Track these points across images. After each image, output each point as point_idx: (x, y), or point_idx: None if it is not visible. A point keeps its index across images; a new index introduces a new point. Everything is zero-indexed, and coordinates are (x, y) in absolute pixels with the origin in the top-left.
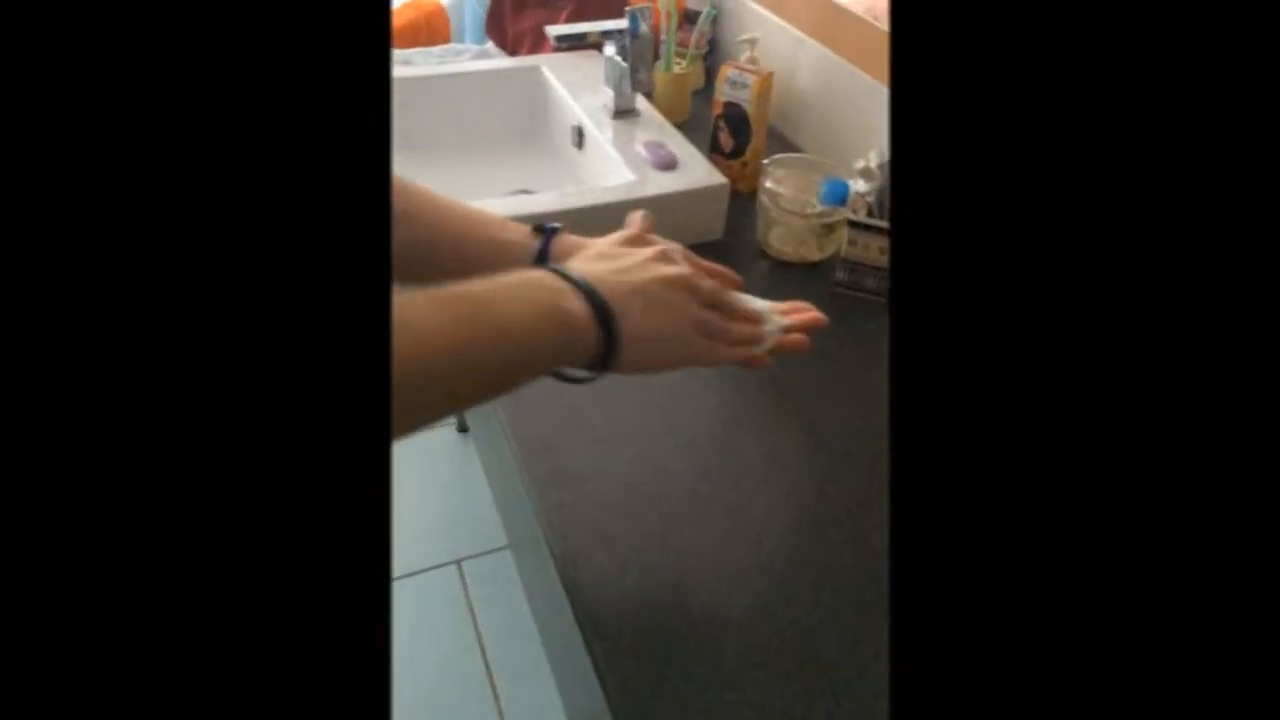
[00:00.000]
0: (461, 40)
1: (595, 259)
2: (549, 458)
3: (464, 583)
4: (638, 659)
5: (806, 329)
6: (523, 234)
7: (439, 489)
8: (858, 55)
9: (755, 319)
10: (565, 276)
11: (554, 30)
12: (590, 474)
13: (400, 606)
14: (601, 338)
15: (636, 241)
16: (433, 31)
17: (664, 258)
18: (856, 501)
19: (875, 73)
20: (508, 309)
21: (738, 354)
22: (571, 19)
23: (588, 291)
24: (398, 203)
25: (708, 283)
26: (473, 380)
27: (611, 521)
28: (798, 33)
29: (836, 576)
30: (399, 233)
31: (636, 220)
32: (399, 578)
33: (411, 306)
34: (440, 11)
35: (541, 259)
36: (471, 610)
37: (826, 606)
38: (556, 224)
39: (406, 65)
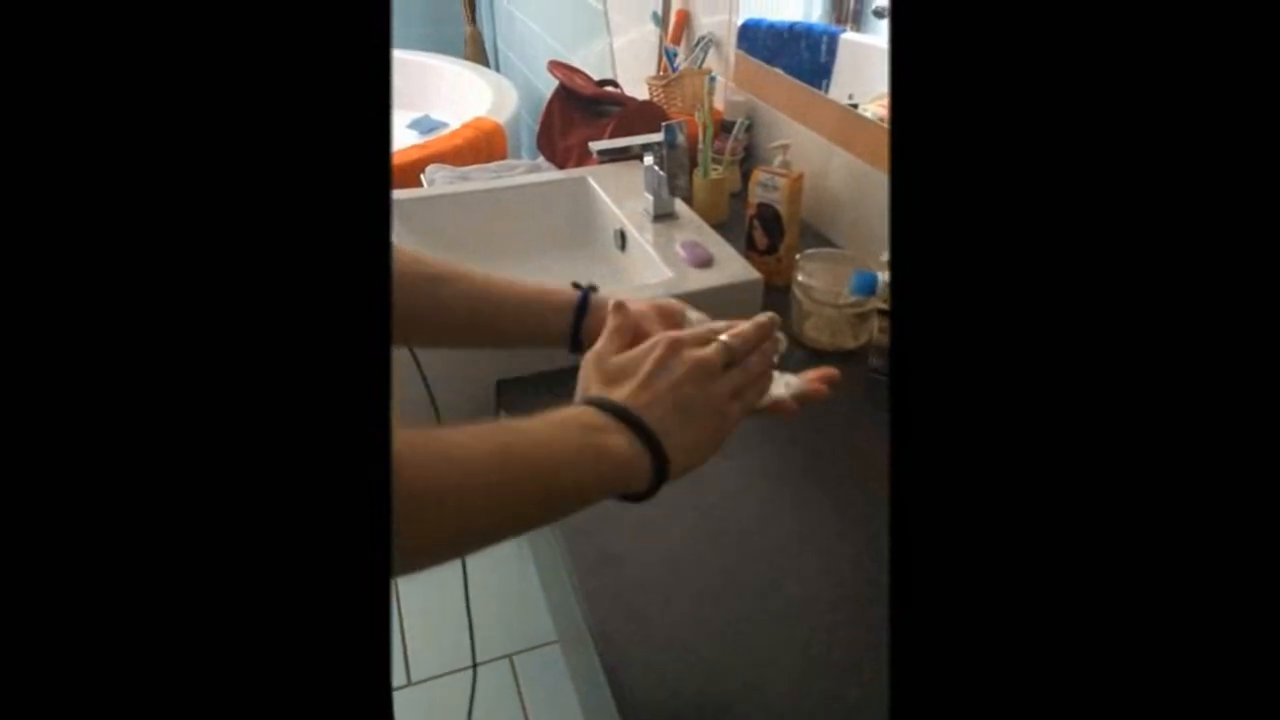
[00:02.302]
0: (517, 155)
1: (613, 379)
2: (590, 541)
3: (515, 677)
4: None
5: (821, 379)
6: (562, 289)
7: (491, 584)
8: (875, 158)
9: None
10: (605, 410)
11: (597, 145)
12: (630, 557)
13: (452, 701)
14: (651, 466)
15: (635, 334)
16: (491, 148)
17: (673, 348)
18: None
19: None
20: (553, 452)
21: (766, 404)
22: (615, 134)
23: (631, 422)
24: (439, 269)
25: (711, 347)
26: (512, 518)
27: (650, 603)
28: (825, 139)
29: (875, 655)
30: (442, 294)
31: (614, 313)
32: (451, 673)
33: (456, 441)
34: (498, 130)
35: (580, 311)
36: (523, 704)
37: (866, 686)
38: (594, 284)
39: (465, 180)
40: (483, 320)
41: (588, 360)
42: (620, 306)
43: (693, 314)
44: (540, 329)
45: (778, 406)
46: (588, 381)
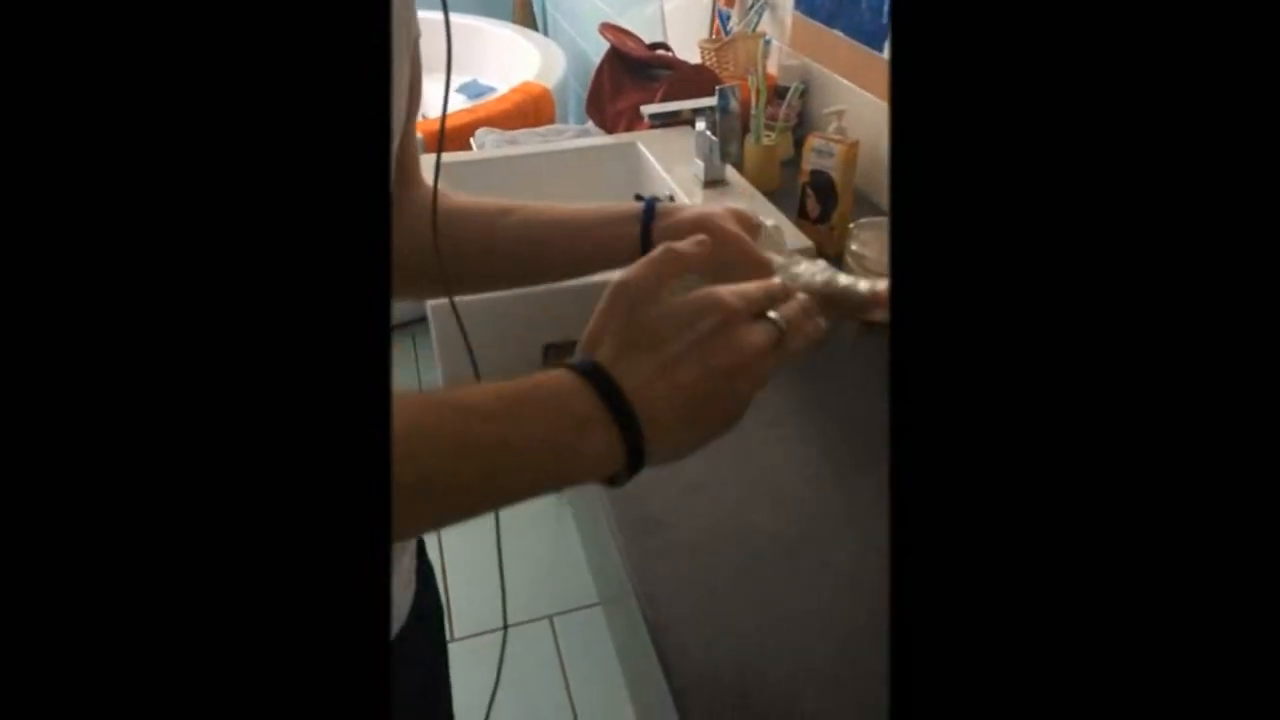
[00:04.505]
0: (565, 120)
1: (635, 343)
2: (636, 505)
3: (555, 638)
4: (719, 703)
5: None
6: (626, 203)
7: (532, 544)
8: None
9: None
10: (601, 394)
11: (648, 109)
12: (676, 521)
13: (491, 659)
14: (626, 465)
15: (705, 309)
16: (539, 113)
17: (725, 325)
18: None
19: None
20: (516, 454)
21: (866, 294)
22: (666, 98)
23: (623, 419)
24: (502, 203)
25: (763, 336)
26: (468, 501)
27: (695, 567)
28: (884, 104)
29: None
30: (508, 223)
31: (685, 246)
32: (491, 630)
33: (421, 424)
34: (545, 95)
35: (648, 218)
36: (563, 665)
37: None
38: (658, 197)
39: (514, 144)
40: (550, 243)
41: (618, 290)
42: (703, 232)
43: (769, 221)
44: (609, 242)
45: (875, 298)
46: (607, 324)
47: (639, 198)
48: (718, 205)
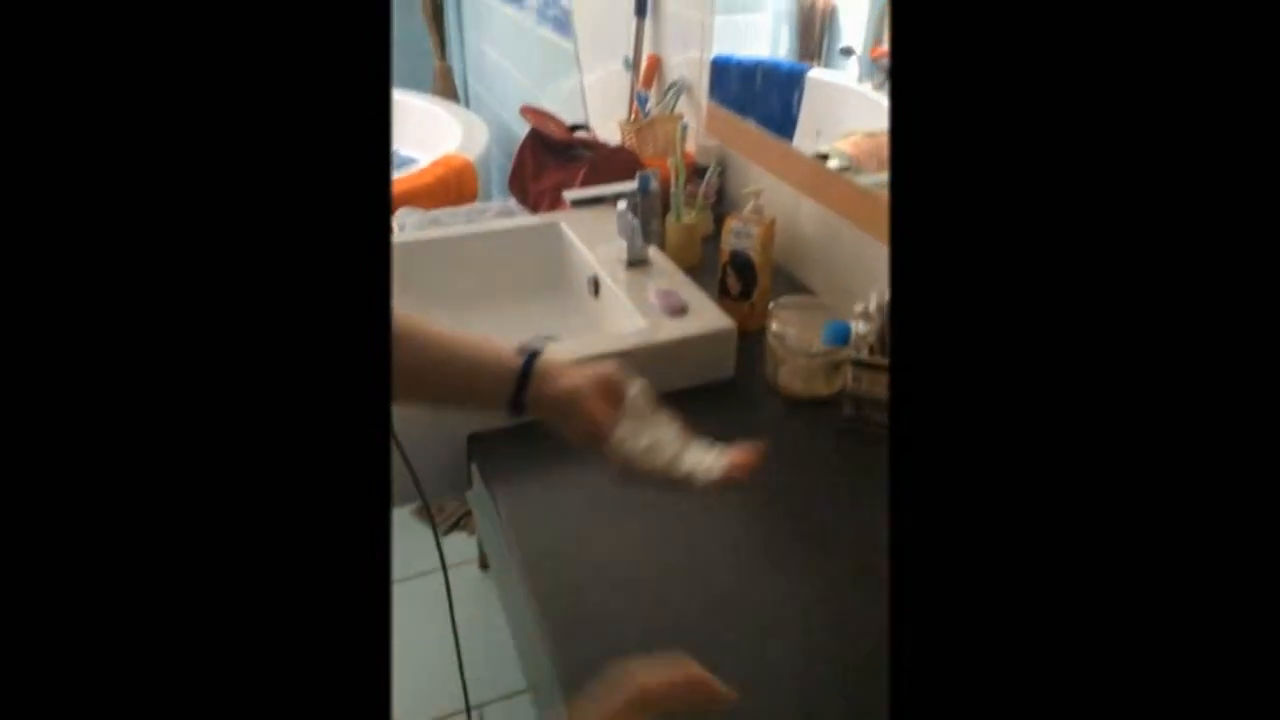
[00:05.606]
0: (488, 192)
1: None
2: (567, 602)
3: None
4: None
5: (746, 460)
6: (508, 353)
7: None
8: (848, 211)
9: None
10: None
11: (571, 195)
12: (608, 618)
13: None
14: None
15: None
16: (461, 186)
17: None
18: (875, 645)
19: (866, 227)
20: None
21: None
22: (587, 179)
23: None
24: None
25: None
26: None
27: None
28: (795, 189)
29: (856, 717)
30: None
31: None
32: None
33: None
34: (468, 167)
35: (524, 376)
36: None
37: None
38: (538, 347)
39: (436, 225)
40: (425, 377)
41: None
42: (569, 410)
43: (633, 389)
44: (483, 394)
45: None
46: None
47: (522, 349)
48: (591, 369)
